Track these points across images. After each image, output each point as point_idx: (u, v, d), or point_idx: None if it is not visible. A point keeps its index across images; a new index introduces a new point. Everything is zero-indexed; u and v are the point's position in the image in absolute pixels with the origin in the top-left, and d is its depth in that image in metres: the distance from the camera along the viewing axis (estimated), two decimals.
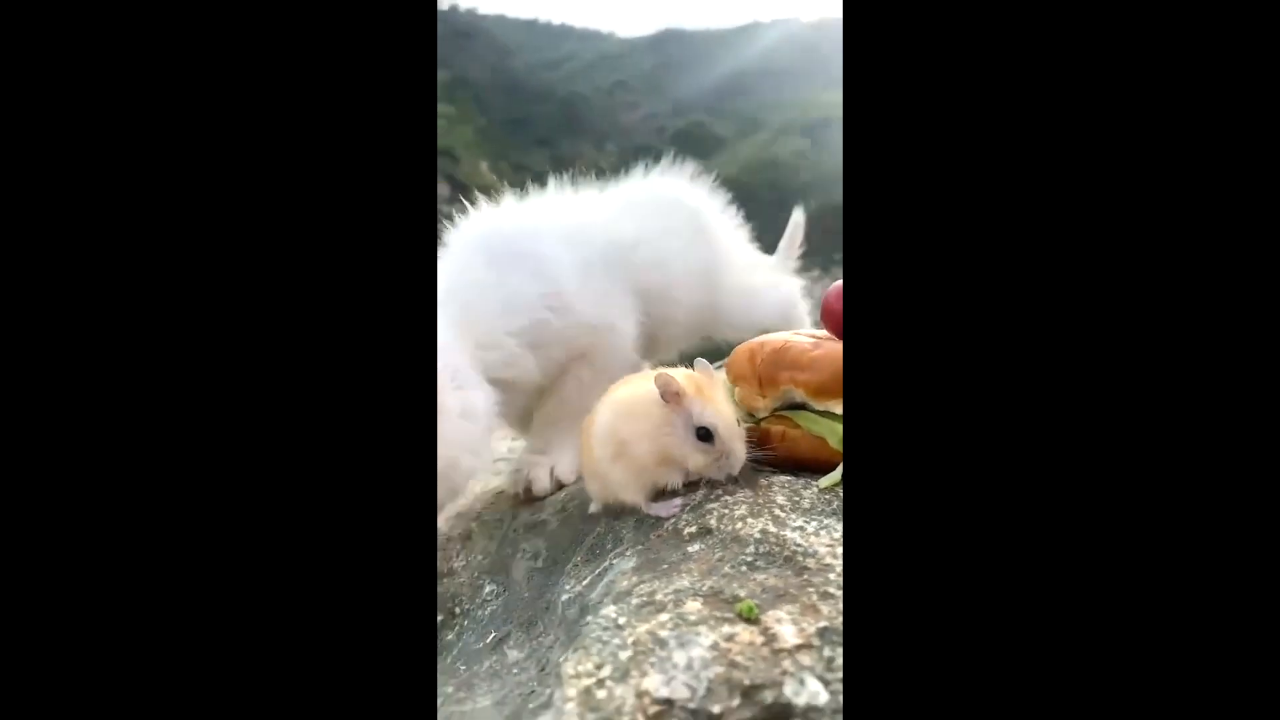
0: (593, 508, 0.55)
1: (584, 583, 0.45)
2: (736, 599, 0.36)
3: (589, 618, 0.38)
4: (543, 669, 0.41)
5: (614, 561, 0.45)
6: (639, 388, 0.50)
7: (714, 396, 0.47)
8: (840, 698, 0.29)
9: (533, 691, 0.38)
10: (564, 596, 0.45)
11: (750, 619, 0.34)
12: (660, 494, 0.49)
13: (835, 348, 0.50)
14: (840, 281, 0.55)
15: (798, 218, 0.91)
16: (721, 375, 0.55)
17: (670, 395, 0.46)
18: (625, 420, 0.49)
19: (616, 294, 0.71)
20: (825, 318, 0.55)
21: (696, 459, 0.47)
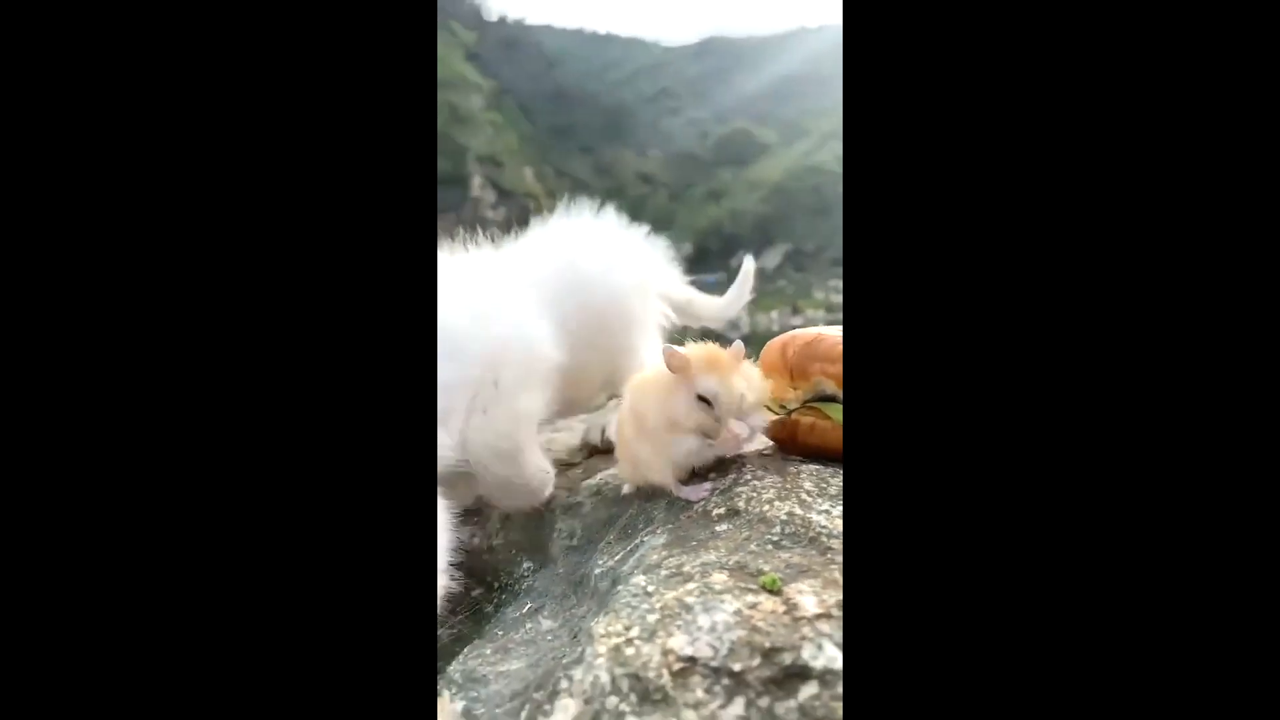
0: (625, 489, 0.57)
1: (616, 558, 0.47)
2: (760, 573, 0.37)
3: (619, 587, 0.41)
4: (575, 636, 0.43)
5: (645, 539, 0.47)
6: (656, 367, 0.52)
7: (725, 370, 0.49)
8: None
9: (565, 655, 0.40)
10: (597, 570, 0.48)
11: (773, 590, 0.36)
12: (690, 478, 0.51)
13: None
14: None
15: (749, 266, 0.89)
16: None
17: (676, 365, 0.48)
18: (641, 395, 0.52)
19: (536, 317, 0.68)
20: None
21: (695, 417, 0.48)
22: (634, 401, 0.52)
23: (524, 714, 0.35)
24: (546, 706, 0.34)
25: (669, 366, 0.49)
